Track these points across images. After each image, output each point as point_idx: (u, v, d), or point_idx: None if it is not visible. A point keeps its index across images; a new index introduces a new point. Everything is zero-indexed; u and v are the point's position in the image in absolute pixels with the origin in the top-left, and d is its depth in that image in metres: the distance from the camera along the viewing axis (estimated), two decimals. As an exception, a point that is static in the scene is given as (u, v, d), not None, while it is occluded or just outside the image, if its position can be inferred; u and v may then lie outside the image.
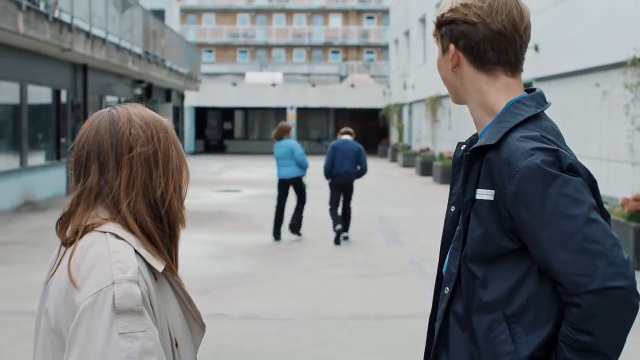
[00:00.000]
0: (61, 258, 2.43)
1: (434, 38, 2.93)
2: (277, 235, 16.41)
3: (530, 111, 2.74)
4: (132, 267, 2.33)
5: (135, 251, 2.39)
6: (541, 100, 2.82)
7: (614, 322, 2.50)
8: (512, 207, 2.57)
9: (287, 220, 16.99)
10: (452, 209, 2.92)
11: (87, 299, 2.28)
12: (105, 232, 2.41)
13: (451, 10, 2.82)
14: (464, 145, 2.96)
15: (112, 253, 2.34)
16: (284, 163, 16.35)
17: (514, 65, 2.84)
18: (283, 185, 16.50)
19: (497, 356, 2.62)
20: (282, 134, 16.49)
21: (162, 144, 2.54)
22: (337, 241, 16.05)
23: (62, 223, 2.51)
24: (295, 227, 16.66)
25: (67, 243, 2.45)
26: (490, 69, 2.83)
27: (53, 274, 2.45)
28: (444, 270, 2.90)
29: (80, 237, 2.42)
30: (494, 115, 2.79)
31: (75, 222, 2.46)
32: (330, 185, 16.54)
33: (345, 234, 16.57)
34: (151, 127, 2.53)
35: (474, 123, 2.90)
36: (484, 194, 2.66)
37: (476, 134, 2.96)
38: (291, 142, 16.43)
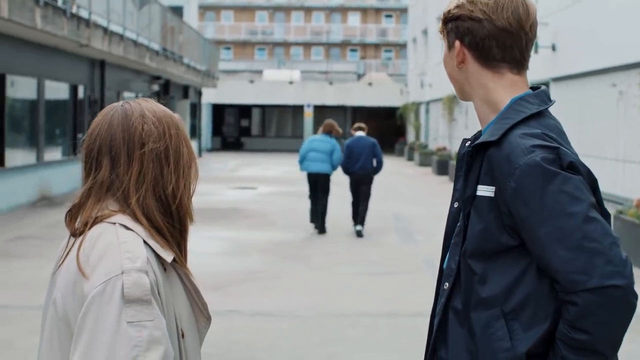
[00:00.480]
0: (70, 249, 2.46)
1: (441, 34, 2.93)
2: (317, 225, 17.01)
3: (533, 108, 2.75)
4: (141, 257, 2.35)
5: (144, 242, 2.42)
6: (545, 98, 2.82)
7: (611, 320, 2.50)
8: (511, 204, 2.57)
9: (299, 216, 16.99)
10: (455, 205, 2.93)
11: (96, 287, 2.30)
12: (114, 223, 2.44)
13: (457, 6, 2.83)
14: (469, 142, 2.97)
15: (121, 243, 2.37)
16: (321, 158, 16.70)
17: (519, 63, 2.84)
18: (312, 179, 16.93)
19: (494, 352, 2.63)
20: (330, 129, 16.95)
21: (173, 140, 2.56)
22: (358, 233, 16.71)
23: (72, 215, 2.54)
24: (322, 223, 17.00)
25: (77, 234, 2.48)
26: (495, 66, 2.83)
27: (61, 264, 2.48)
28: (444, 265, 2.92)
29: (90, 228, 2.45)
30: (498, 112, 2.80)
31: (85, 214, 2.49)
32: (350, 181, 17.04)
33: (359, 227, 16.85)
34: (163, 123, 2.56)
35: (478, 120, 2.91)
36: (485, 191, 2.67)
37: (480, 130, 2.97)
38: (334, 142, 16.86)
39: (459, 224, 2.78)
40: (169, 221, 2.52)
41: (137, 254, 2.36)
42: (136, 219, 2.46)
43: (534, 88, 2.89)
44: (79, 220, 2.50)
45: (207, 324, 2.64)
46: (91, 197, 2.50)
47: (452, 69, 2.89)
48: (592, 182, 2.64)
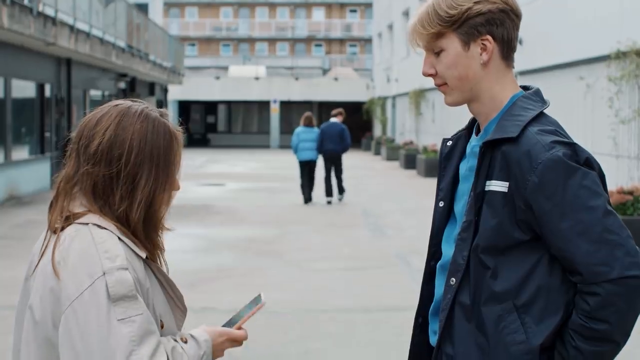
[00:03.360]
0: (44, 250, 2.47)
1: (430, 39, 2.81)
2: (306, 200, 21.28)
3: (539, 106, 2.79)
4: (120, 255, 2.38)
5: (119, 239, 2.43)
6: (542, 97, 2.87)
7: (628, 310, 2.59)
8: (532, 199, 2.61)
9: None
10: (441, 204, 2.97)
11: (81, 292, 2.32)
12: (87, 224, 2.44)
13: (477, 2, 2.74)
14: (450, 142, 3.01)
15: (97, 243, 2.38)
16: (310, 147, 20.93)
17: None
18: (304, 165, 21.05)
19: (507, 346, 2.67)
20: (310, 121, 21.20)
21: (177, 156, 2.63)
22: (328, 203, 21.35)
23: (51, 207, 2.55)
24: (308, 200, 21.30)
25: (54, 229, 2.49)
26: (510, 60, 2.85)
27: (36, 267, 2.48)
28: (441, 262, 2.94)
29: (63, 228, 2.45)
30: (498, 109, 2.81)
31: (60, 207, 2.51)
32: (323, 159, 21.24)
33: (340, 197, 21.70)
34: (177, 138, 2.62)
35: (476, 117, 2.91)
36: (497, 186, 2.69)
37: (463, 130, 3.00)
38: (317, 130, 21.22)
39: (464, 220, 2.78)
40: (146, 221, 2.54)
41: (115, 252, 2.38)
42: (109, 218, 2.48)
43: (523, 87, 2.91)
44: (56, 212, 2.52)
45: (182, 316, 2.67)
46: (73, 190, 2.53)
47: (470, 69, 2.79)
48: (602, 178, 2.71)
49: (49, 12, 21.34)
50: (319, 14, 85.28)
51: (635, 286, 2.57)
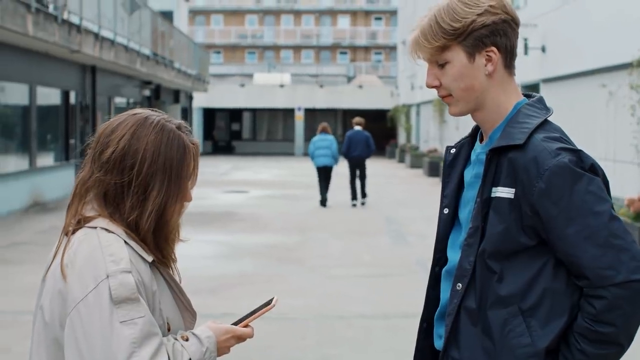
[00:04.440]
0: (56, 252, 2.53)
1: (434, 52, 2.82)
2: (323, 202, 22.50)
3: (543, 114, 2.81)
4: (124, 258, 2.42)
5: (125, 242, 2.48)
6: (545, 104, 2.89)
7: (634, 313, 2.63)
8: (539, 204, 2.65)
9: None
10: (446, 211, 3.00)
11: (85, 294, 2.37)
12: (95, 227, 2.49)
13: (480, 14, 2.75)
14: (454, 149, 3.04)
15: (103, 247, 2.43)
16: (326, 154, 22.17)
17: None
18: (322, 171, 22.34)
19: (513, 349, 2.70)
20: (326, 129, 22.61)
21: (191, 169, 2.66)
22: (353, 205, 22.72)
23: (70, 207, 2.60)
24: (324, 201, 22.51)
25: (66, 232, 2.55)
26: (512, 68, 2.87)
27: (48, 269, 2.54)
28: (446, 268, 2.96)
29: (74, 231, 2.51)
30: (503, 117, 2.83)
31: (74, 210, 2.56)
32: (349, 164, 22.70)
33: (362, 200, 22.91)
34: (190, 152, 2.64)
35: (480, 125, 2.93)
36: (504, 192, 2.72)
37: (466, 138, 3.03)
38: (332, 138, 22.58)
39: (470, 226, 2.80)
40: (157, 231, 2.58)
41: (119, 255, 2.43)
42: (118, 223, 2.52)
43: (525, 95, 2.93)
44: (71, 214, 2.57)
45: (193, 319, 2.73)
46: (89, 195, 2.58)
47: (476, 80, 2.80)
48: (606, 184, 2.75)
49: (74, 19, 21.48)
50: (344, 22, 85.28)
51: None
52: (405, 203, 24.15)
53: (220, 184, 30.53)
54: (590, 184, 2.64)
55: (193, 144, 2.66)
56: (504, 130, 2.77)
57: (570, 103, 20.04)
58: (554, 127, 2.79)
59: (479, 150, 2.91)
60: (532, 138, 2.70)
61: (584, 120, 19.14)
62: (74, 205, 2.57)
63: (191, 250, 14.66)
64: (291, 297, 11.11)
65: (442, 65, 2.84)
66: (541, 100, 2.90)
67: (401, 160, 47.23)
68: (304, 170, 38.15)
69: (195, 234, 16.40)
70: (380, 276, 12.70)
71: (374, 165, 40.95)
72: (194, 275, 12.38)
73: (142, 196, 2.52)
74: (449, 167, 3.02)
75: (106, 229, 2.49)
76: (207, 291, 11.16)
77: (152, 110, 2.67)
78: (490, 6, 2.76)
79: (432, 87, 2.89)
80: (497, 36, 2.78)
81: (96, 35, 23.29)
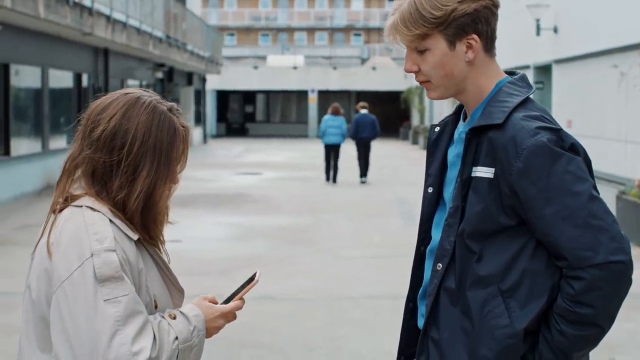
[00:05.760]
0: (43, 231, 2.55)
1: (414, 39, 2.79)
2: (328, 178, 24.23)
3: (524, 92, 2.79)
4: (109, 236, 2.44)
5: (110, 220, 2.49)
6: (528, 82, 2.87)
7: (613, 294, 2.61)
8: (517, 184, 2.63)
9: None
10: (430, 190, 2.99)
11: (70, 273, 2.39)
12: (81, 206, 2.51)
13: (462, 1, 2.72)
14: (438, 128, 3.02)
15: (88, 225, 2.45)
16: (335, 132, 23.88)
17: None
18: (329, 149, 24.03)
19: (492, 329, 2.68)
20: (337, 110, 24.25)
21: (180, 152, 2.64)
22: (362, 182, 24.37)
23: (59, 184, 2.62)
24: (335, 177, 24.18)
25: (54, 209, 2.57)
26: (493, 49, 2.85)
27: (35, 247, 2.57)
28: (430, 247, 2.96)
29: (62, 209, 2.53)
30: (485, 96, 2.81)
31: (62, 187, 2.58)
32: (357, 145, 24.53)
33: (364, 179, 24.42)
34: (180, 134, 2.63)
35: (463, 104, 2.92)
36: (484, 172, 2.70)
37: (451, 115, 3.01)
38: (342, 119, 24.33)
39: (451, 205, 2.79)
40: (144, 210, 2.58)
41: (104, 234, 2.44)
42: (105, 202, 2.53)
43: (508, 73, 2.91)
44: (59, 192, 2.59)
45: (181, 297, 2.73)
46: (77, 173, 2.60)
47: (456, 67, 2.78)
48: (588, 164, 2.72)
49: (86, 2, 21.44)
50: (357, 4, 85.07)
51: (620, 271, 2.59)
52: (417, 184, 24.05)
53: (233, 165, 30.57)
54: (570, 163, 2.61)
55: (183, 127, 2.65)
56: (485, 109, 2.76)
57: (583, 84, 19.96)
58: (535, 106, 2.77)
59: (461, 129, 2.90)
60: (512, 117, 2.68)
61: (596, 101, 19.07)
62: (62, 182, 2.58)
63: (203, 232, 14.72)
64: (302, 278, 11.15)
65: (421, 52, 2.81)
66: (523, 78, 2.87)
67: (415, 142, 47.18)
68: (317, 153, 38.10)
69: (208, 216, 16.47)
70: (390, 257, 12.71)
71: (387, 147, 40.94)
72: (206, 257, 12.44)
73: (132, 176, 2.52)
74: (433, 146, 3.00)
75: (91, 208, 2.50)
76: (217, 272, 11.21)
77: (144, 90, 2.68)
78: None
79: (411, 72, 2.86)
80: (478, 24, 2.75)
81: (108, 18, 23.28)
